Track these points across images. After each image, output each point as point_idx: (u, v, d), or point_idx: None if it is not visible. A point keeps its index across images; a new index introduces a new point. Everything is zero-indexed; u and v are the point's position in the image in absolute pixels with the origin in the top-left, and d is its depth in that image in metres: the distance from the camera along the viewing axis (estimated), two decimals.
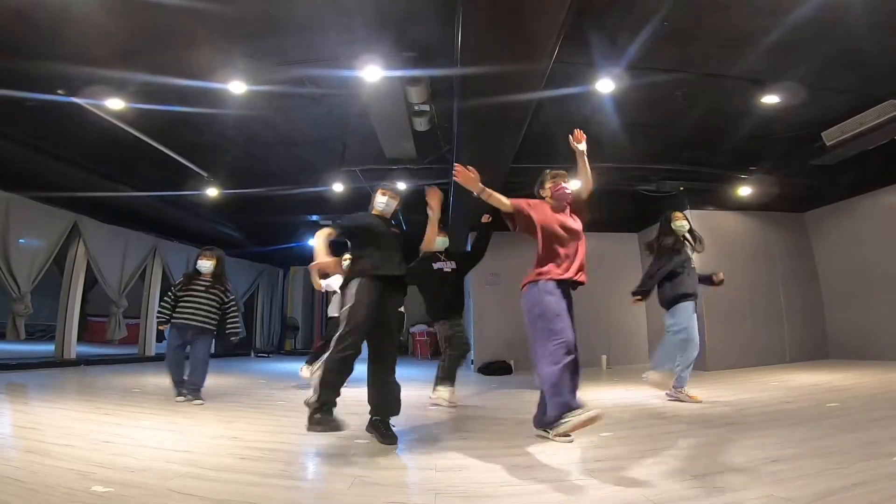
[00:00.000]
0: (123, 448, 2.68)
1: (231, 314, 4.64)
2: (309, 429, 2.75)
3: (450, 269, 4.79)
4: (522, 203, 3.13)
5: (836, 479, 2.00)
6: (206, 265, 4.57)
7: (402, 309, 3.23)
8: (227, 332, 4.64)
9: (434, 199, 3.35)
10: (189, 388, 4.37)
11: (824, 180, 6.83)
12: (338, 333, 2.86)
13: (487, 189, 3.10)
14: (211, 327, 4.53)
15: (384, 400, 3.00)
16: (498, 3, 3.11)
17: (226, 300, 4.61)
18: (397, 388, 3.02)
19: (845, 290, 7.18)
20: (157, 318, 4.83)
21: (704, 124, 5.70)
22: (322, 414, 2.75)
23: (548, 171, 3.39)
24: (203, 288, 4.53)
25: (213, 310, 4.53)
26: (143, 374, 6.78)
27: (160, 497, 1.95)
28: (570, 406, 2.56)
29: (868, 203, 6.89)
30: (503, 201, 3.10)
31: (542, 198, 3.30)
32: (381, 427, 2.95)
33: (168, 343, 4.56)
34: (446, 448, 2.86)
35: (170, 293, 4.60)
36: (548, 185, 3.31)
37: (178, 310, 4.48)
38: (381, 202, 3.42)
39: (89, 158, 6.51)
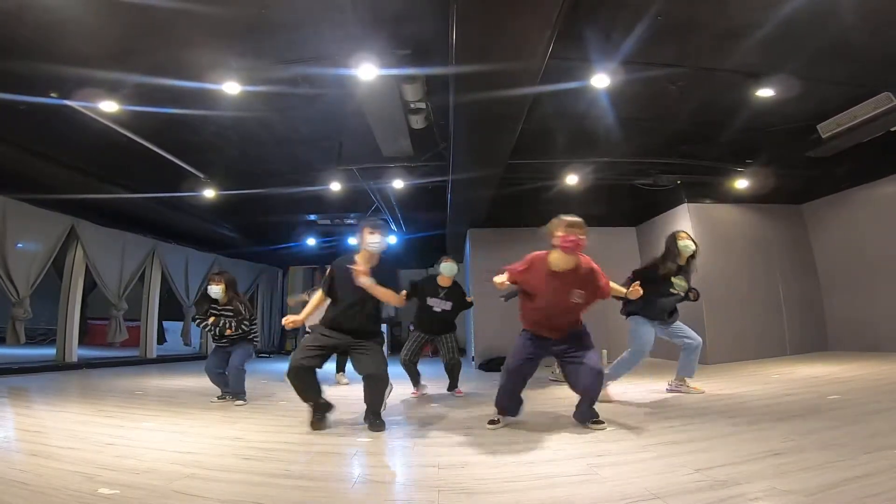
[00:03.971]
0: (127, 450, 2.69)
1: (249, 329, 4.74)
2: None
3: (440, 310, 4.86)
4: (515, 275, 3.24)
5: (837, 471, 2.01)
6: (214, 290, 4.65)
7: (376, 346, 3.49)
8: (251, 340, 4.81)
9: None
10: (231, 394, 4.55)
11: (821, 172, 6.84)
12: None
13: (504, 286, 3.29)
14: (241, 337, 4.68)
15: (367, 395, 3.37)
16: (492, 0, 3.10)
17: (240, 317, 4.66)
18: (371, 386, 3.34)
19: (844, 282, 7.20)
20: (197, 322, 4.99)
21: (700, 118, 5.70)
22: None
23: (561, 216, 3.09)
24: (220, 311, 4.65)
25: (236, 329, 4.65)
26: (144, 376, 6.79)
27: (165, 498, 1.96)
28: (499, 410, 3.33)
29: (865, 194, 6.90)
30: (505, 282, 3.23)
31: (552, 247, 3.12)
32: (370, 416, 3.35)
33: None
34: (448, 445, 2.88)
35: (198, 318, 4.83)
36: (558, 233, 3.04)
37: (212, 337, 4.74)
38: (373, 241, 3.43)
39: (85, 161, 6.48)
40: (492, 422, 3.27)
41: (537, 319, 3.27)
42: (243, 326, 4.62)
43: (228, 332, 4.57)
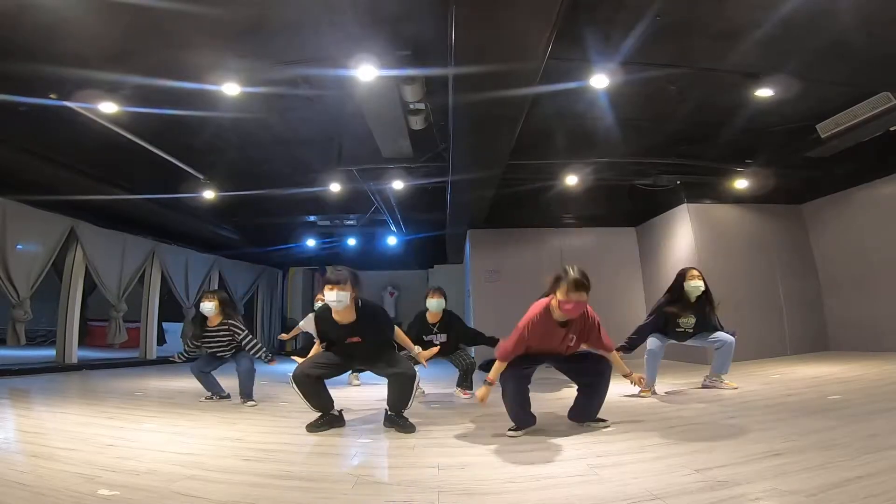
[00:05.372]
0: (128, 451, 2.69)
1: (251, 346, 4.52)
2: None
3: (439, 343, 4.72)
4: (517, 347, 3.00)
5: (838, 471, 2.01)
6: (207, 307, 4.49)
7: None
8: (256, 357, 4.60)
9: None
10: (242, 396, 4.48)
11: (820, 172, 6.84)
12: None
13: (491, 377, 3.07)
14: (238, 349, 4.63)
15: (391, 394, 3.29)
16: (491, 0, 3.11)
17: (237, 337, 4.52)
18: (398, 385, 3.24)
19: (844, 282, 7.18)
20: (178, 358, 5.03)
21: (700, 118, 5.71)
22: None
23: (571, 275, 2.88)
24: (215, 332, 4.53)
25: (230, 345, 4.58)
26: (144, 378, 6.78)
27: (165, 499, 1.96)
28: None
29: (865, 194, 6.89)
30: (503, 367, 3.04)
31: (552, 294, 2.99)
32: (396, 420, 3.25)
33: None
34: (448, 445, 2.87)
35: (190, 343, 4.78)
36: (559, 294, 2.91)
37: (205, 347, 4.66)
38: (332, 300, 3.14)
39: (84, 162, 6.48)
40: (512, 429, 3.01)
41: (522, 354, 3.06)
42: (243, 343, 4.50)
43: (221, 355, 4.57)
